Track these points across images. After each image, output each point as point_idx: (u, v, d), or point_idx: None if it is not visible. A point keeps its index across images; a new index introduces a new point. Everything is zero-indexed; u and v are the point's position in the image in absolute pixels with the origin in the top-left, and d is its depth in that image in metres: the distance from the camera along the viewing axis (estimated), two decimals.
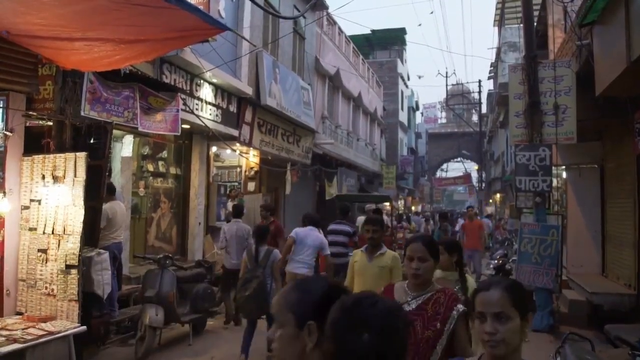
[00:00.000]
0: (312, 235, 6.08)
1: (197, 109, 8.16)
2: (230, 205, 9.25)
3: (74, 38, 3.82)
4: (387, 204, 15.81)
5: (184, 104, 7.40)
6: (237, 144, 9.80)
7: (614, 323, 5.36)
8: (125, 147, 7.30)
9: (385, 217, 11.39)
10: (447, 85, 31.13)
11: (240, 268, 5.76)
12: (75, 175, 4.54)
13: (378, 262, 3.74)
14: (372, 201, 14.39)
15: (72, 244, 4.43)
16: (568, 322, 6.96)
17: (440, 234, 11.84)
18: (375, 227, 3.87)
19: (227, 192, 9.99)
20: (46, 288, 4.53)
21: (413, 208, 30.82)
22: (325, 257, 6.36)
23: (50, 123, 4.92)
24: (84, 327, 4.35)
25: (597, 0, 5.19)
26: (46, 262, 4.56)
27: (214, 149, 9.62)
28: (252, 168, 10.85)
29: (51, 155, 4.70)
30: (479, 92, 31.24)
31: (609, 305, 6.43)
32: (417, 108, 39.90)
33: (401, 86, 30.02)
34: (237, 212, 7.44)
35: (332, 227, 7.57)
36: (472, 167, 41.81)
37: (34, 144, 4.89)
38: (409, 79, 33.85)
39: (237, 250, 6.90)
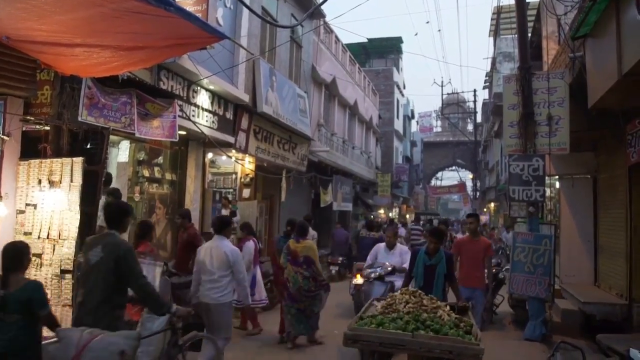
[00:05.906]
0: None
1: (193, 116, 8.18)
2: (224, 212, 9.31)
3: (74, 44, 3.85)
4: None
5: (181, 110, 7.41)
6: (233, 151, 9.82)
7: (606, 333, 5.40)
8: (121, 153, 7.30)
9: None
10: (442, 94, 31.36)
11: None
12: (71, 180, 4.56)
13: None
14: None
15: (67, 249, 4.44)
16: (561, 331, 7.02)
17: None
18: None
19: (222, 198, 10.00)
20: None
21: (408, 216, 30.77)
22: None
23: (48, 128, 4.94)
24: None
25: (590, 13, 5.28)
26: (41, 267, 4.56)
27: (209, 155, 9.63)
28: (247, 175, 10.86)
29: (48, 160, 4.72)
30: (474, 101, 31.57)
31: (601, 315, 6.47)
32: (413, 116, 40.11)
33: (397, 95, 30.20)
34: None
35: (411, 226, 15.51)
36: (467, 176, 42.01)
37: (31, 148, 4.90)
38: (404, 87, 34.06)
39: None
